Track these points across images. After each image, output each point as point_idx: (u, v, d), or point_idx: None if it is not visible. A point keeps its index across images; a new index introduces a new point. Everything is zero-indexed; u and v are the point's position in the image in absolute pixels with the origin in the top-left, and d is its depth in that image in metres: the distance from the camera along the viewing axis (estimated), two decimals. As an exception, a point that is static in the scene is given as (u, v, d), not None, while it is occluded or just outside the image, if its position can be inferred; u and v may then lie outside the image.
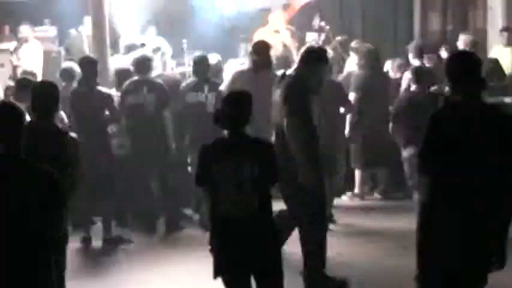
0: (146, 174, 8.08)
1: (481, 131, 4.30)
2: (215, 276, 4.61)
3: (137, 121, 7.94)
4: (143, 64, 8.06)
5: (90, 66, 7.70)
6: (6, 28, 12.33)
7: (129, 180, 7.99)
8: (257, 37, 10.34)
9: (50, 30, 12.16)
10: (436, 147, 4.34)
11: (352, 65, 9.35)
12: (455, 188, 4.31)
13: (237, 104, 4.72)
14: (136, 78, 8.03)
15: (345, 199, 8.97)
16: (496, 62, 9.34)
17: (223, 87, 8.05)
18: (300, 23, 12.32)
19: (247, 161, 4.58)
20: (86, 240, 7.51)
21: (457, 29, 11.97)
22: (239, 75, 7.97)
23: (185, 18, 12.14)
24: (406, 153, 7.88)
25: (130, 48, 9.37)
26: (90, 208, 7.67)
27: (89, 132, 7.30)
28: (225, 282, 4.64)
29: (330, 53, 7.80)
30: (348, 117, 8.59)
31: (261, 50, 7.99)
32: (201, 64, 8.19)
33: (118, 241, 7.56)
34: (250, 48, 8.42)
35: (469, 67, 4.44)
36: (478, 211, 4.27)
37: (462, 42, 9.58)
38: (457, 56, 4.90)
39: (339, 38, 11.02)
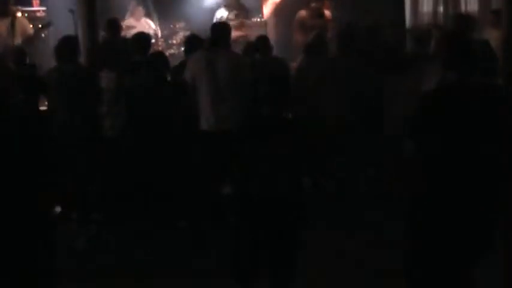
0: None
1: (474, 111, 4.32)
2: None
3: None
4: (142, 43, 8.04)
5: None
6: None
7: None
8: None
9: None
10: (428, 126, 4.35)
11: None
12: (446, 168, 4.33)
13: None
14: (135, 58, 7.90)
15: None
16: (486, 44, 9.33)
17: None
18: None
19: None
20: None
21: (448, 10, 11.96)
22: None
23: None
24: None
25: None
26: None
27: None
28: None
29: None
30: None
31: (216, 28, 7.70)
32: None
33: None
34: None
35: (462, 48, 4.45)
36: (468, 193, 4.30)
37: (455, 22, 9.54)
38: (450, 37, 4.91)
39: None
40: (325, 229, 6.91)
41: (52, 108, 7.14)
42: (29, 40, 9.91)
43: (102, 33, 9.29)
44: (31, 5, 11.52)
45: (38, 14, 11.26)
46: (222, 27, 7.68)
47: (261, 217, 4.72)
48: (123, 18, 11.44)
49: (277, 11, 12.69)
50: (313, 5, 11.45)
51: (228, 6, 11.80)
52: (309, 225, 5.08)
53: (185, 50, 8.27)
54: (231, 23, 9.64)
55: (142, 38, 8.28)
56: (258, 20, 12.39)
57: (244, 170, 4.71)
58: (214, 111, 7.21)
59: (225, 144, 6.25)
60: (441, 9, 12.53)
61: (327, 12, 11.55)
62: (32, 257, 4.06)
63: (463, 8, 12.37)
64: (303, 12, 11.47)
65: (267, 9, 12.77)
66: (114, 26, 9.06)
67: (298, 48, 10.03)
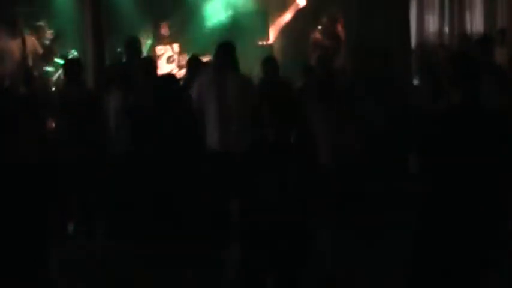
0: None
1: (478, 131, 4.32)
2: None
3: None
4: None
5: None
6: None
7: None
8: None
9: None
10: (434, 146, 4.35)
11: None
12: (452, 189, 4.32)
13: None
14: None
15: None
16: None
17: None
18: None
19: None
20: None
21: (454, 30, 12.01)
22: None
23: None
24: None
25: None
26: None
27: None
28: None
29: None
30: None
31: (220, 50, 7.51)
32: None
33: None
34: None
35: (466, 68, 4.44)
36: (474, 212, 4.29)
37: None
38: (456, 58, 4.89)
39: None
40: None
41: (57, 129, 7.17)
42: (38, 60, 9.98)
43: (118, 50, 9.25)
44: (37, 27, 11.60)
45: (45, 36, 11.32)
46: (228, 48, 7.58)
47: (267, 240, 4.70)
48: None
49: (284, 32, 12.72)
50: (324, 26, 11.41)
51: None
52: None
53: (187, 71, 8.30)
54: None
55: (149, 60, 8.31)
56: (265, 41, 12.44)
57: (250, 195, 4.70)
58: (222, 132, 7.20)
59: (231, 165, 6.24)
60: (447, 29, 12.58)
61: (341, 32, 11.52)
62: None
63: (468, 27, 12.41)
64: (317, 34, 11.47)
65: (274, 31, 12.82)
66: (133, 46, 8.66)
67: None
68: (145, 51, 10.60)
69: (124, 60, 8.69)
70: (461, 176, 4.28)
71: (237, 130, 7.16)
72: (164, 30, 10.64)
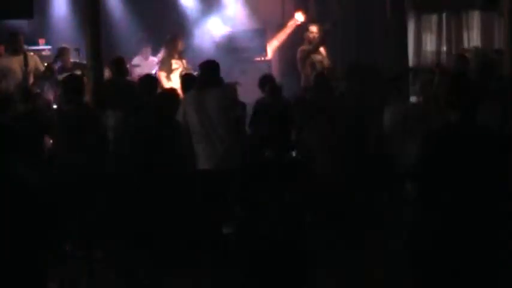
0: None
1: (476, 150, 4.34)
2: None
3: None
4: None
5: None
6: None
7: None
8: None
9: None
10: (432, 165, 4.37)
11: None
12: (450, 207, 4.34)
13: None
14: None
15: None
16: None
17: None
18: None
19: None
20: None
21: (451, 49, 12.07)
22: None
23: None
24: None
25: None
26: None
27: None
28: None
29: None
30: None
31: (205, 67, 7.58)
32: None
33: None
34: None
35: (463, 88, 4.47)
36: (474, 230, 4.31)
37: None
38: (454, 78, 4.93)
39: None
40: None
41: (55, 148, 7.17)
42: (40, 77, 9.99)
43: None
44: (36, 43, 11.67)
45: (44, 53, 11.39)
46: (210, 66, 7.51)
47: (264, 259, 4.71)
48: (131, 57, 11.54)
49: (282, 50, 12.78)
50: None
51: None
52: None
53: (182, 89, 8.31)
54: None
55: (148, 79, 8.34)
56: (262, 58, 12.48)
57: (247, 212, 4.72)
58: (211, 150, 7.20)
59: (223, 184, 6.23)
60: (444, 48, 12.64)
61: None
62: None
63: (466, 47, 12.45)
64: (303, 47, 11.50)
65: (271, 48, 12.87)
66: (118, 65, 9.04)
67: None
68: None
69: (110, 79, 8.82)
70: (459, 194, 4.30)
71: (223, 146, 7.17)
72: (181, 45, 10.71)
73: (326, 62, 10.87)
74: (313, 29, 11.09)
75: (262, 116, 7.55)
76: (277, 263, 4.73)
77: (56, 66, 10.32)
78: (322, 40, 10.94)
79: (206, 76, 7.40)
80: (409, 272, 4.58)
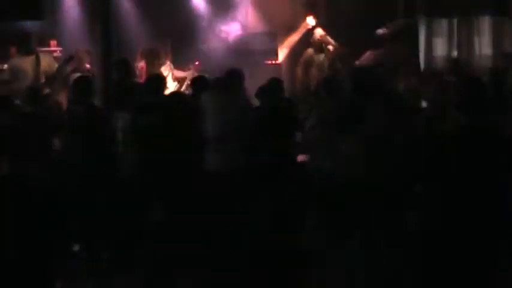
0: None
1: (484, 153, 4.33)
2: None
3: None
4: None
5: None
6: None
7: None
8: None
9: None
10: (443, 166, 4.37)
11: None
12: (459, 209, 4.33)
13: None
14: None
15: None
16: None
17: None
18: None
19: None
20: None
21: (462, 54, 12.04)
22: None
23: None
24: None
25: None
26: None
27: None
28: None
29: None
30: None
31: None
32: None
33: None
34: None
35: (473, 92, 4.47)
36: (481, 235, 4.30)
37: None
38: (466, 82, 4.92)
39: None
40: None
41: (65, 149, 7.17)
42: (51, 78, 9.97)
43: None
44: (48, 45, 11.69)
45: (55, 54, 11.40)
46: (235, 73, 7.79)
47: (264, 259, 4.70)
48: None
49: (292, 53, 12.75)
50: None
51: None
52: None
53: (192, 91, 8.32)
54: None
55: (156, 79, 8.33)
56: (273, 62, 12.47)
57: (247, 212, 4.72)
58: (219, 152, 7.25)
59: (228, 186, 6.26)
60: (455, 53, 12.60)
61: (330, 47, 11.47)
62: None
63: (477, 52, 12.42)
64: (309, 49, 11.52)
65: (282, 52, 12.84)
66: (123, 67, 9.01)
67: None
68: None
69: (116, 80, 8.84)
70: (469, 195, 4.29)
71: (226, 151, 7.21)
72: (164, 57, 10.84)
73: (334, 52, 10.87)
74: (319, 31, 11.17)
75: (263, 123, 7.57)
76: (277, 263, 4.71)
77: (69, 68, 10.32)
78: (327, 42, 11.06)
79: (229, 81, 7.61)
80: (413, 271, 4.57)
